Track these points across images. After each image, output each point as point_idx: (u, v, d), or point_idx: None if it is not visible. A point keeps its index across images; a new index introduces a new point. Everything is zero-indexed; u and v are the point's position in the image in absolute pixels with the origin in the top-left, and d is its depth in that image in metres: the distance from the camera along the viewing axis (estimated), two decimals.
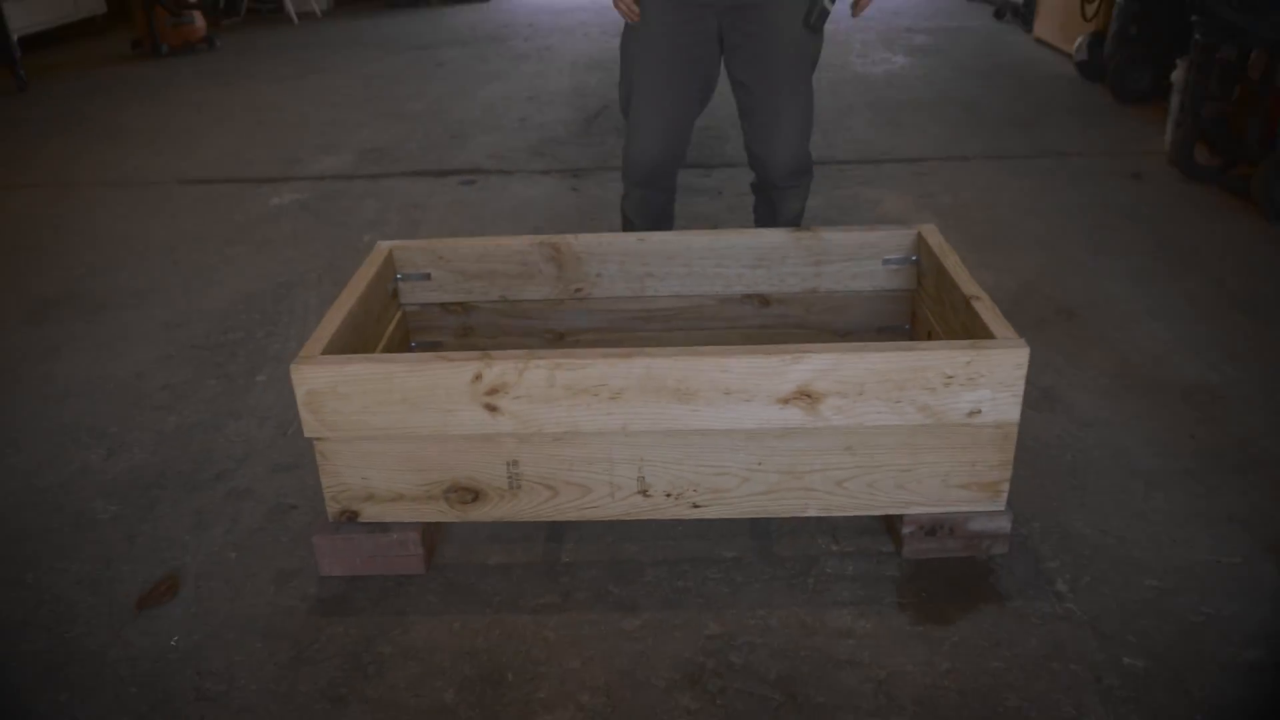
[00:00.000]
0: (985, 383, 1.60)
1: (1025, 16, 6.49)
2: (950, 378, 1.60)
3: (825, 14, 2.15)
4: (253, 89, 5.78)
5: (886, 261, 2.12)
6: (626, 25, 2.30)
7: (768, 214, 2.43)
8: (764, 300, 2.16)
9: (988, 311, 1.72)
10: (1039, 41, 6.05)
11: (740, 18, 2.19)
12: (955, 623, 1.63)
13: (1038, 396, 2.27)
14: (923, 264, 2.08)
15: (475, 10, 8.35)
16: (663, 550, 1.82)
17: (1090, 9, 5.04)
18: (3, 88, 5.90)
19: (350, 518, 1.76)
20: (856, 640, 1.60)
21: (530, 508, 1.75)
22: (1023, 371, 1.60)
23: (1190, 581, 1.70)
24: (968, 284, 1.83)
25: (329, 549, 1.76)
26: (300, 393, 1.63)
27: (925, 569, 1.75)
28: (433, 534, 1.82)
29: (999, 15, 7.00)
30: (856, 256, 2.12)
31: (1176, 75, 3.78)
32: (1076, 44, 5.18)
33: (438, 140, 4.54)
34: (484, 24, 7.70)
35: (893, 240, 2.11)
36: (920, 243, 2.08)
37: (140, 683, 1.57)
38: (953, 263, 1.93)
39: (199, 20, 6.97)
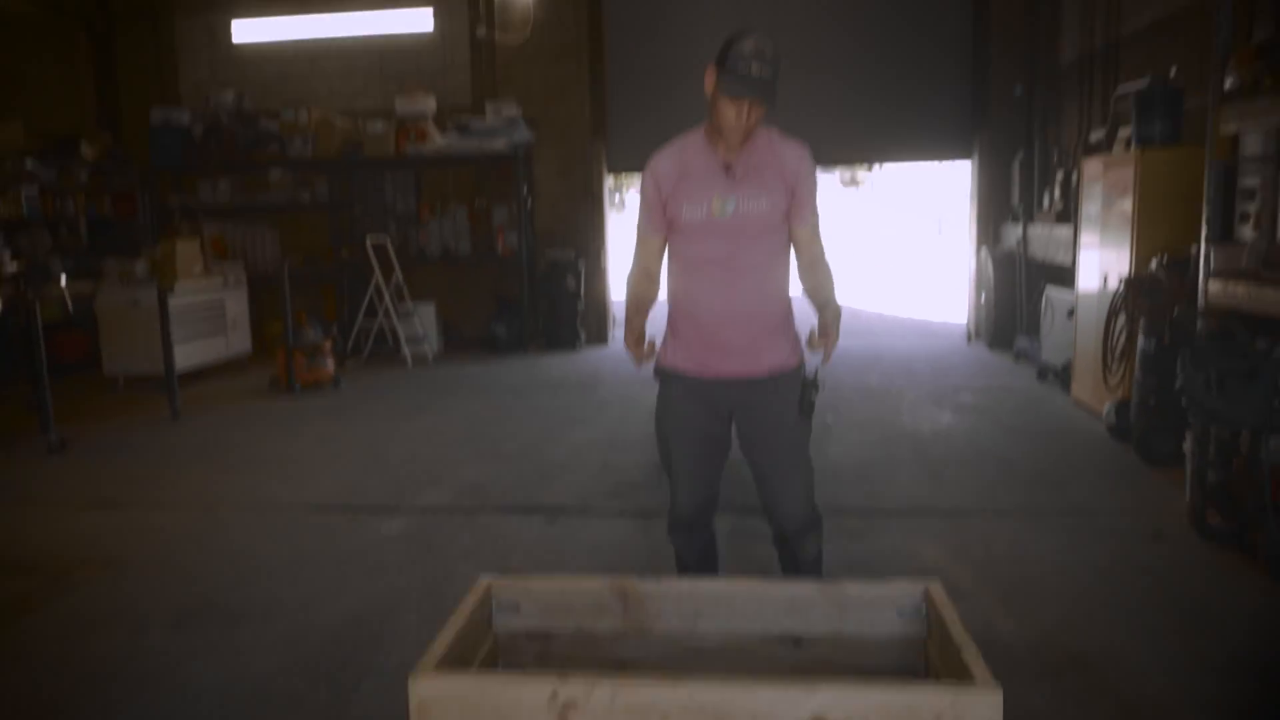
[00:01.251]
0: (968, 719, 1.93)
1: (1064, 379, 7.11)
2: (939, 715, 1.94)
3: (813, 404, 2.76)
4: (370, 426, 6.62)
5: (900, 613, 2.50)
6: (659, 406, 2.92)
7: (790, 560, 2.87)
8: (797, 641, 2.54)
9: (973, 660, 2.08)
10: (1076, 403, 6.61)
11: (746, 409, 2.81)
12: None
13: None
14: (930, 616, 2.45)
15: (567, 359, 9.40)
16: None
17: (1113, 380, 5.63)
18: (160, 415, 6.86)
19: None
20: None
21: None
22: (998, 713, 1.93)
23: None
24: (960, 636, 2.20)
25: None
26: (413, 703, 2.04)
27: None
28: None
29: (1041, 376, 7.65)
30: (874, 606, 2.51)
31: (1187, 445, 4.23)
32: (1106, 409, 5.72)
33: (528, 479, 5.16)
34: (574, 371, 8.67)
35: (905, 595, 2.51)
36: (928, 597, 2.47)
37: None
38: (950, 616, 2.31)
39: (329, 363, 8.06)
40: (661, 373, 2.91)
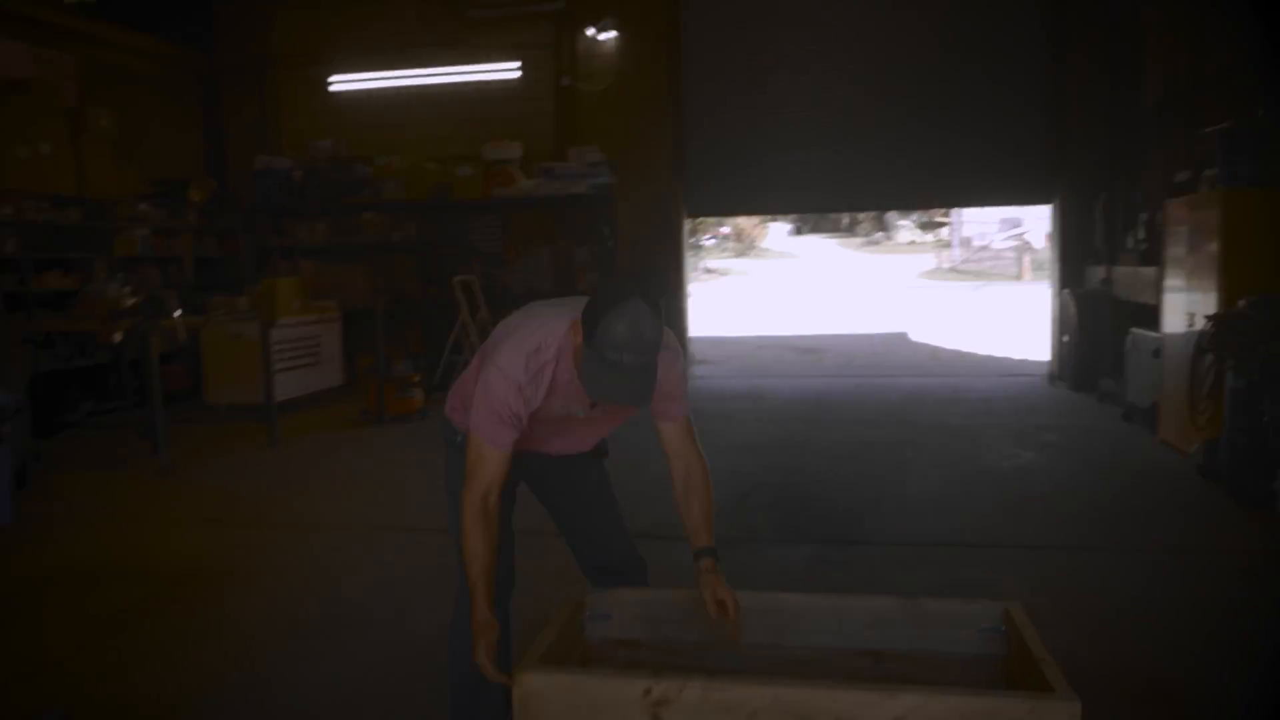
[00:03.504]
0: None
1: (1150, 420, 7.00)
2: None
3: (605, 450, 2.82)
4: None
5: (981, 630, 2.56)
6: (451, 467, 2.69)
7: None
8: (878, 656, 2.61)
9: (1053, 673, 2.14)
10: (1163, 443, 6.50)
11: (539, 476, 2.83)
12: None
13: None
14: (1010, 635, 2.51)
15: None
16: None
17: (1200, 419, 5.55)
18: (259, 443, 7.20)
19: None
20: None
21: None
22: None
23: None
24: (1040, 651, 2.26)
25: None
26: (517, 697, 2.19)
27: None
28: None
29: (1127, 417, 7.53)
30: (955, 624, 2.58)
31: (1278, 484, 4.18)
32: (1194, 449, 5.63)
33: None
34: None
35: (985, 613, 2.57)
36: (1008, 617, 2.53)
37: None
38: (1030, 634, 2.37)
39: (417, 394, 8.36)
40: (462, 437, 2.58)
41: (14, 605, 3.92)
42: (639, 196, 10.26)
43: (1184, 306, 6.23)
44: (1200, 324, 5.65)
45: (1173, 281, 6.54)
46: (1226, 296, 5.57)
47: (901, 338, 14.95)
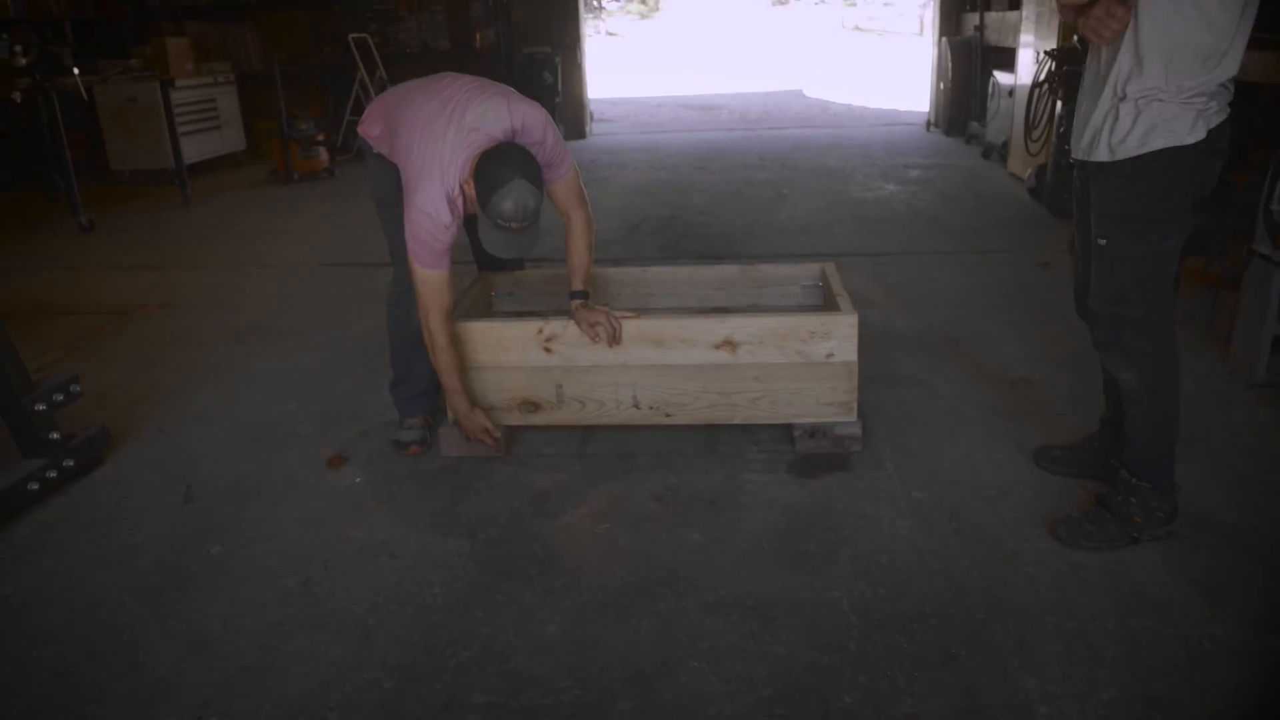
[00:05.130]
0: (834, 336, 2.73)
1: (1003, 155, 7.76)
2: (813, 333, 2.74)
3: None
4: (367, 204, 7.22)
5: (803, 286, 3.28)
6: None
7: None
8: (725, 312, 3.32)
9: (843, 300, 2.87)
10: (1011, 175, 7.28)
11: None
12: (819, 478, 2.72)
13: (913, 384, 3.38)
14: (824, 287, 3.23)
15: None
16: (650, 447, 2.94)
17: (1034, 146, 6.29)
18: (172, 202, 7.47)
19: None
20: (757, 485, 2.70)
21: (569, 415, 2.90)
22: (854, 330, 2.73)
23: (971, 466, 2.77)
24: (839, 289, 2.98)
25: (448, 437, 2.93)
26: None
27: (808, 458, 2.84)
28: (510, 433, 2.96)
29: (986, 155, 8.29)
30: (784, 283, 3.29)
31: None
32: (1027, 174, 6.41)
33: None
34: None
35: (806, 272, 3.29)
36: (824, 274, 3.24)
37: (341, 496, 2.73)
38: (836, 283, 3.08)
39: (323, 154, 8.59)
40: (376, 153, 3.01)
41: None
42: None
43: (1034, 46, 6.82)
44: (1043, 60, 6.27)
45: (1028, 23, 7.09)
46: (1064, 33, 6.17)
47: (797, 94, 15.34)
